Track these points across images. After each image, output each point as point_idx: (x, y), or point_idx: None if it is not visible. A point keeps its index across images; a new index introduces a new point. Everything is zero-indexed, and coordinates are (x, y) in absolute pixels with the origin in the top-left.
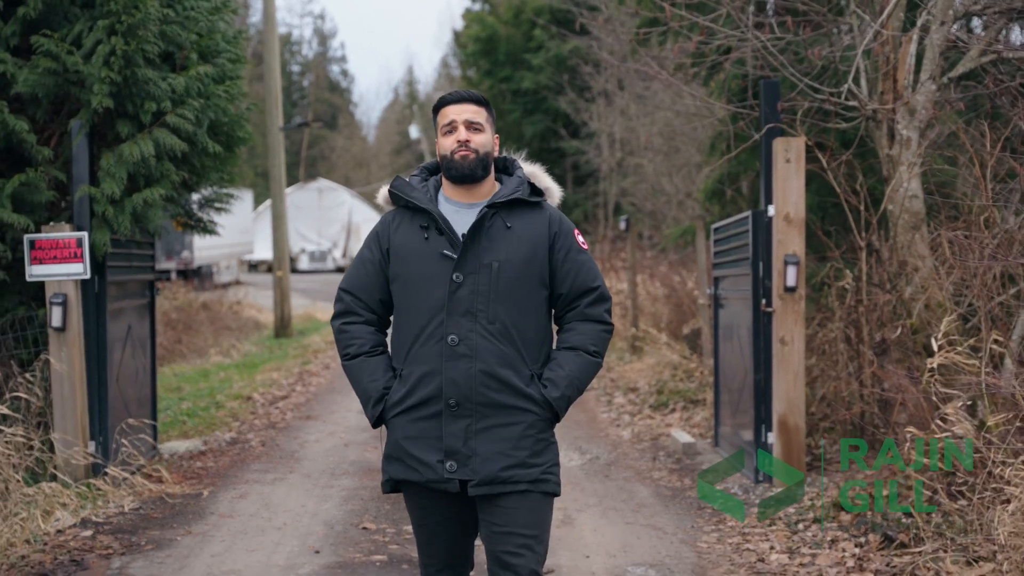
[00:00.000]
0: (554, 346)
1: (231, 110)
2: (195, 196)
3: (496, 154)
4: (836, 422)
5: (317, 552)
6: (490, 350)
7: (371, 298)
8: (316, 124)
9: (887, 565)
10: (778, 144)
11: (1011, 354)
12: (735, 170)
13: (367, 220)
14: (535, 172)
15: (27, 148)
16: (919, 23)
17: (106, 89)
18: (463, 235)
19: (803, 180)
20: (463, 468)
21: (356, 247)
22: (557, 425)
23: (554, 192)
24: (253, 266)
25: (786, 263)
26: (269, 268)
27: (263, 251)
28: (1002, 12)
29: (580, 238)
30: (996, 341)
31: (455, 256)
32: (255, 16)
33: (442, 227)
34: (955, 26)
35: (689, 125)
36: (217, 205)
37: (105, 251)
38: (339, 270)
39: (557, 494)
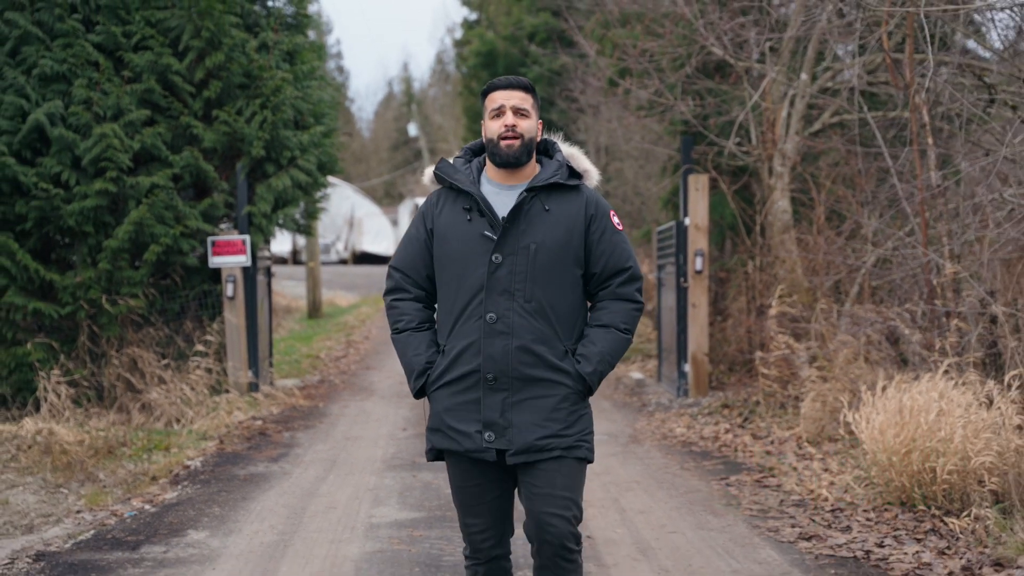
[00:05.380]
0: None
1: (332, 153)
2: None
3: (539, 138)
4: (735, 362)
5: (404, 430)
6: (526, 328)
7: (419, 275)
8: (345, 135)
9: (742, 430)
10: (691, 179)
11: (846, 312)
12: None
13: (369, 215)
14: (574, 154)
15: (210, 182)
16: (787, 96)
17: (260, 144)
18: (503, 218)
19: (707, 201)
20: (500, 438)
21: (358, 241)
22: None
23: (592, 174)
24: None
25: (696, 255)
26: (275, 261)
27: (273, 245)
28: (845, 89)
29: (615, 219)
30: (827, 304)
31: (495, 237)
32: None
33: (483, 209)
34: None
35: (652, 147)
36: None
37: (258, 248)
38: (342, 262)
39: (590, 460)
